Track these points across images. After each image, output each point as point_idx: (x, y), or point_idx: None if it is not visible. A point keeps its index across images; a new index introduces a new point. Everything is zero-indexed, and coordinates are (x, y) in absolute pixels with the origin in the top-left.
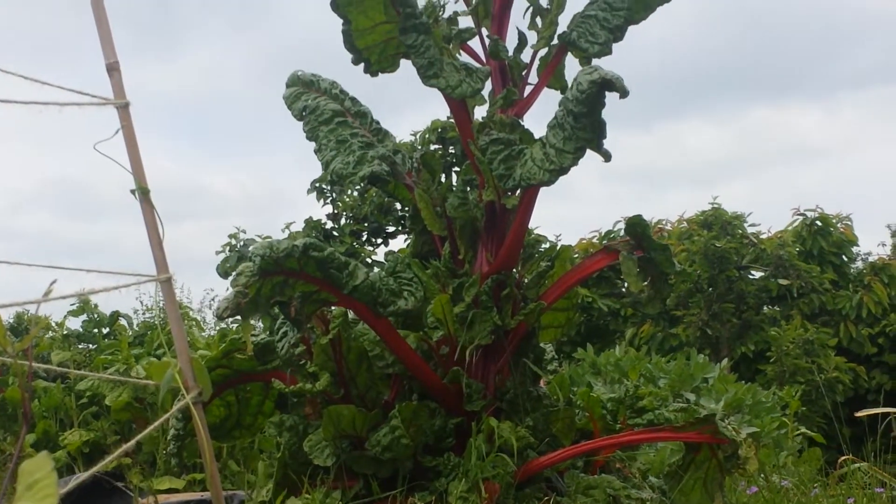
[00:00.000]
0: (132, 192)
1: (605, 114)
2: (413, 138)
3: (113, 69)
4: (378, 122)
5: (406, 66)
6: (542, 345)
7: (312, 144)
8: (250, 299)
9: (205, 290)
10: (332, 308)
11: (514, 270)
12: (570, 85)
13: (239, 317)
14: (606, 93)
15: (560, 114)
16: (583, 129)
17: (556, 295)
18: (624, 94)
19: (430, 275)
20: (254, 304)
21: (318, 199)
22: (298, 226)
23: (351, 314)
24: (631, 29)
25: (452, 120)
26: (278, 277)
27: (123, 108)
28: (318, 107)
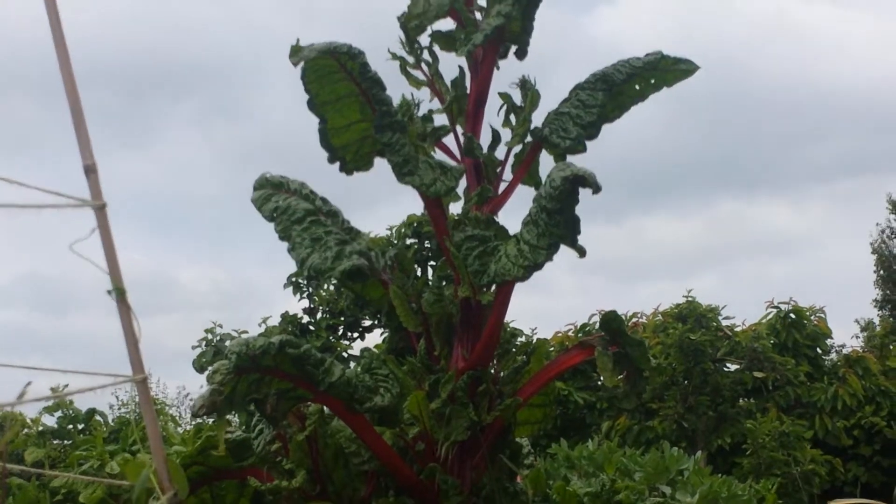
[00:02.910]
0: (108, 292)
1: (576, 207)
2: (389, 232)
3: (90, 170)
4: (349, 222)
5: (381, 160)
6: (518, 440)
7: (281, 241)
8: (226, 397)
9: (178, 386)
10: (309, 404)
11: (491, 365)
12: (543, 181)
13: (215, 414)
14: (580, 189)
15: (534, 210)
16: (556, 225)
17: (532, 391)
18: (597, 189)
19: (406, 371)
20: (229, 402)
21: (295, 294)
22: (274, 320)
23: (327, 410)
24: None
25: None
26: (254, 375)
27: (100, 210)
28: (289, 207)
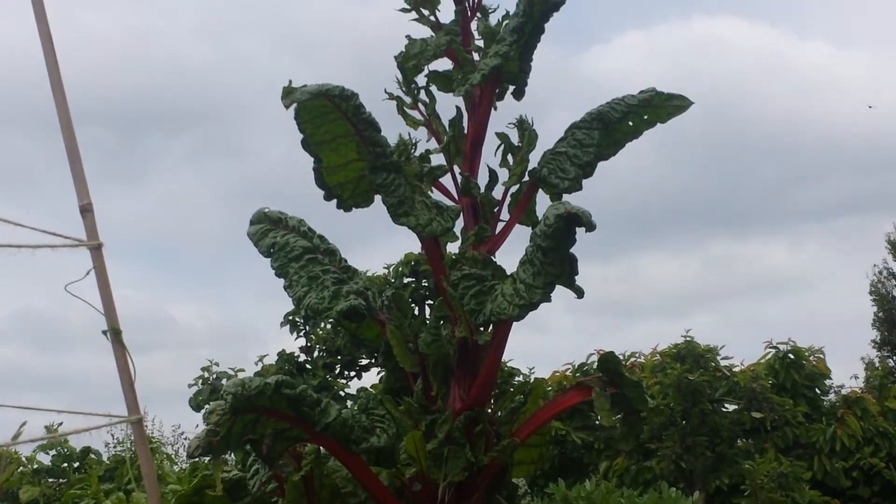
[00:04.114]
0: (104, 332)
1: (573, 247)
2: (386, 271)
3: (86, 210)
4: (346, 260)
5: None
6: (515, 480)
7: (278, 278)
8: (221, 437)
9: (173, 426)
10: (305, 444)
11: (488, 405)
12: (540, 220)
13: (210, 455)
14: (576, 228)
15: (530, 249)
16: (552, 263)
17: (529, 431)
18: (590, 228)
19: (403, 411)
20: (225, 443)
21: (292, 332)
22: (271, 358)
23: (324, 450)
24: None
25: None
26: (250, 415)
27: (96, 250)
28: (287, 244)
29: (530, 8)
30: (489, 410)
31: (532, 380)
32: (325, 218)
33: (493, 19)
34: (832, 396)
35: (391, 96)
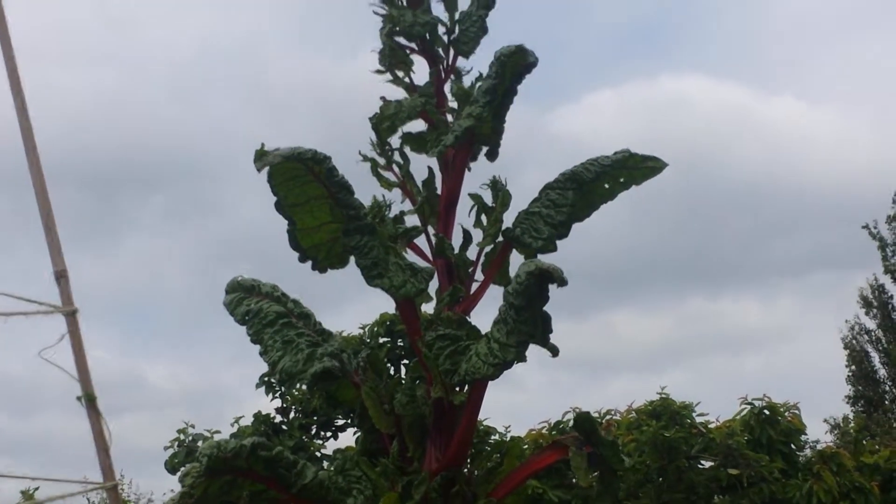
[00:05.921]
0: (78, 399)
1: (545, 305)
2: (361, 331)
3: (61, 276)
4: (321, 324)
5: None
6: None
7: (254, 344)
8: (197, 500)
9: (144, 493)
10: None
11: (464, 466)
12: (512, 279)
13: None
14: (549, 285)
15: (503, 308)
16: (524, 322)
17: (506, 491)
18: (562, 283)
19: (379, 472)
20: None
21: (267, 393)
22: (247, 420)
23: None
24: None
25: None
26: (226, 477)
27: (71, 315)
28: (261, 310)
29: (502, 70)
30: (466, 471)
31: (508, 439)
32: (300, 277)
33: (467, 81)
34: (808, 452)
35: (365, 158)
